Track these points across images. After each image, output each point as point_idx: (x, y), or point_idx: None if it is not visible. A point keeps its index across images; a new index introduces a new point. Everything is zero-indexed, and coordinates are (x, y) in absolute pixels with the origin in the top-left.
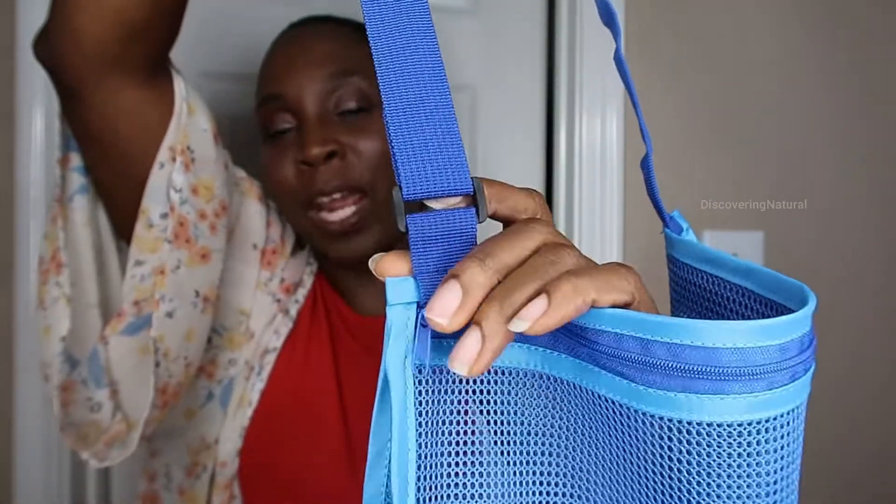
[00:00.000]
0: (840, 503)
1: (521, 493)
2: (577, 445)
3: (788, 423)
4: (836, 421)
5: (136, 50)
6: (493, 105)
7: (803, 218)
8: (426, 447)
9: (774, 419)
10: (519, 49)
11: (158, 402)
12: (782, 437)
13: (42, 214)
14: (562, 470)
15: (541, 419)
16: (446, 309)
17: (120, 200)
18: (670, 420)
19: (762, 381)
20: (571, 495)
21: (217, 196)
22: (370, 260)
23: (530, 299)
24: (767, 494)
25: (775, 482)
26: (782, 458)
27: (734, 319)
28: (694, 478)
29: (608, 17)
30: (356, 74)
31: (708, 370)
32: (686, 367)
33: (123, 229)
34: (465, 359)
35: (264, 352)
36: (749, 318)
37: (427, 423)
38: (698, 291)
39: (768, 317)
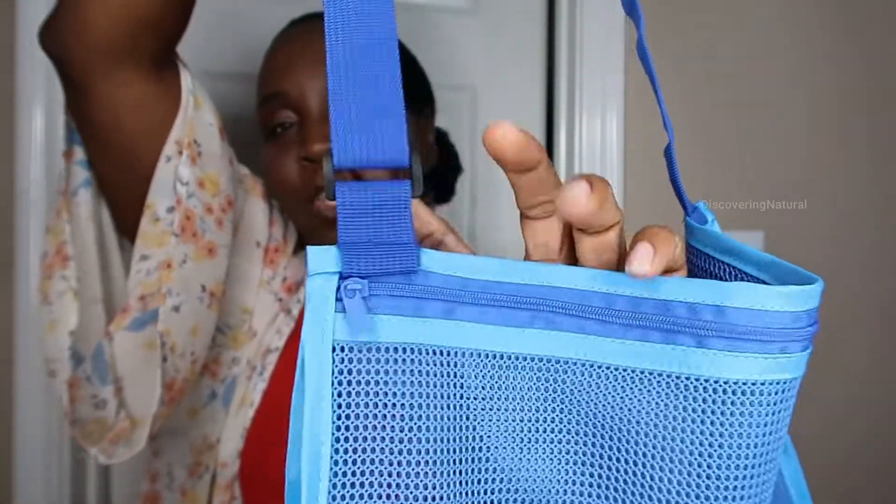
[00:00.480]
0: None
1: (462, 483)
2: (516, 423)
3: (784, 392)
4: (836, 420)
5: (143, 43)
6: (493, 105)
7: (803, 218)
8: (346, 431)
9: (787, 381)
10: (519, 49)
11: (165, 399)
12: (776, 402)
13: (42, 214)
14: (503, 453)
15: (486, 405)
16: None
17: (124, 195)
18: (688, 378)
19: (777, 343)
20: (515, 490)
21: (223, 191)
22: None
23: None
24: (760, 455)
25: (768, 444)
26: (777, 421)
27: None
28: (697, 435)
29: (630, 5)
30: None
31: (725, 328)
32: (703, 325)
33: (126, 225)
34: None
35: (266, 351)
36: None
37: (350, 405)
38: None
39: None
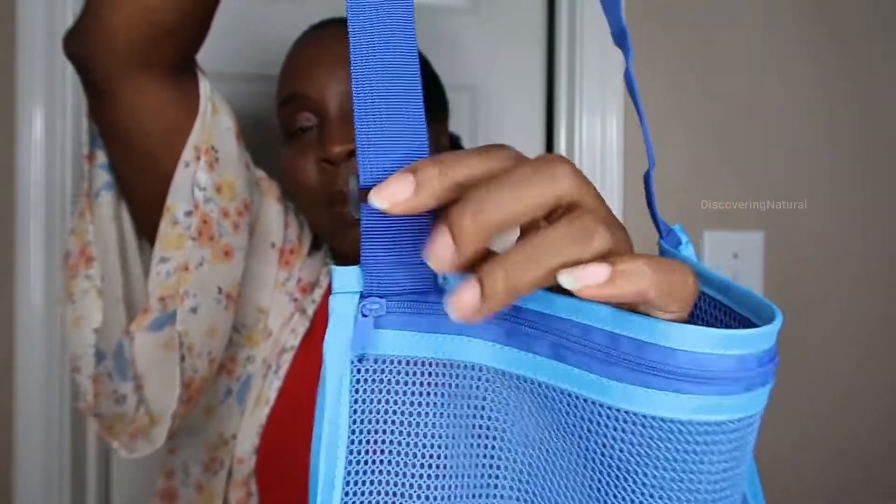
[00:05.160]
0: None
1: (466, 496)
2: (524, 441)
3: (735, 430)
4: (835, 420)
5: (165, 50)
6: (493, 105)
7: (803, 218)
8: (360, 444)
9: (723, 423)
10: (519, 49)
11: (184, 397)
12: (729, 441)
13: (42, 215)
14: (508, 472)
15: (495, 416)
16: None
17: (144, 198)
18: (626, 412)
19: (715, 385)
20: (517, 498)
21: (239, 195)
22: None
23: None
24: (708, 493)
25: (717, 482)
26: (724, 462)
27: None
28: (641, 468)
29: (620, 37)
30: None
31: (668, 369)
32: (649, 364)
33: (146, 227)
34: (463, 307)
35: (281, 350)
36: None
37: (365, 419)
38: None
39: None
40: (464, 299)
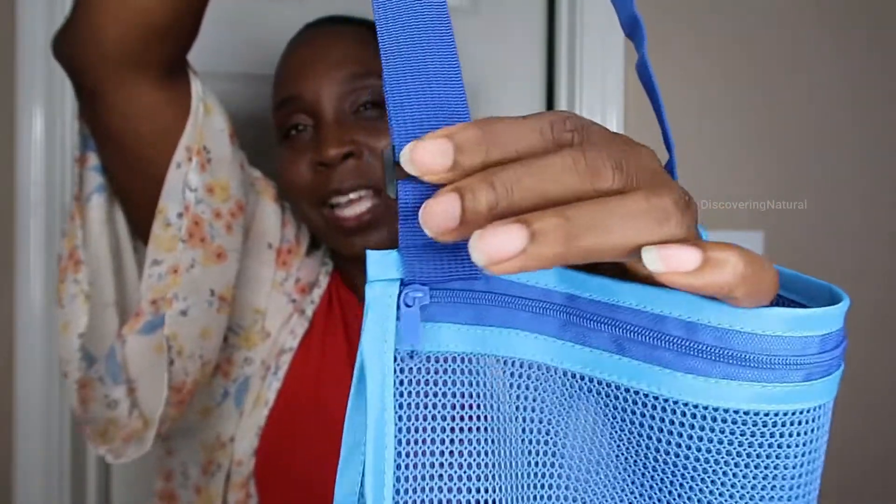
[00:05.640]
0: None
1: (518, 499)
2: (579, 444)
3: (818, 419)
4: (835, 420)
5: (155, 51)
6: (494, 105)
7: (803, 218)
8: (408, 444)
9: (808, 411)
10: (519, 49)
11: (174, 400)
12: (812, 430)
13: (42, 215)
14: (563, 471)
15: (541, 414)
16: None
17: (137, 200)
18: (705, 408)
19: (801, 370)
20: (574, 499)
21: (233, 196)
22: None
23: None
24: (791, 488)
25: (799, 476)
26: (809, 452)
27: None
28: (721, 468)
29: (632, 26)
30: (372, 75)
31: (754, 357)
32: (732, 354)
33: (140, 229)
34: (495, 253)
35: (280, 352)
36: None
37: (410, 417)
38: None
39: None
40: (500, 243)
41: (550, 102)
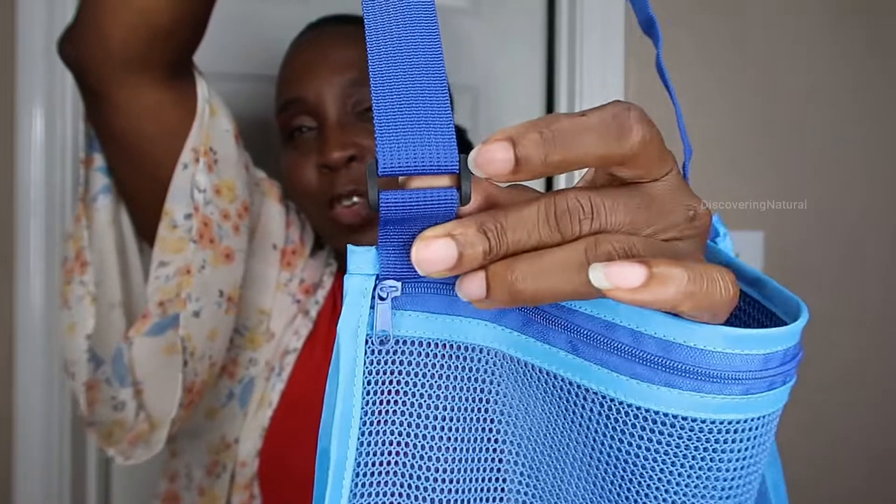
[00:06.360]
0: None
1: (474, 479)
2: (532, 431)
3: (756, 429)
4: (836, 421)
5: (161, 53)
6: (494, 105)
7: (803, 218)
8: (373, 424)
9: (745, 422)
10: (519, 49)
11: (185, 402)
12: (748, 439)
13: (42, 215)
14: (519, 458)
15: (503, 401)
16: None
17: (143, 201)
18: (647, 410)
19: (740, 385)
20: (526, 484)
21: (239, 197)
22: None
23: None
24: (723, 489)
25: (732, 479)
26: (744, 458)
27: (734, 324)
28: (658, 466)
29: (648, 25)
30: None
31: (693, 369)
32: (673, 364)
33: (145, 230)
34: (468, 295)
35: (284, 352)
36: (748, 326)
37: (378, 392)
38: None
39: (766, 326)
40: (472, 290)
41: (550, 102)
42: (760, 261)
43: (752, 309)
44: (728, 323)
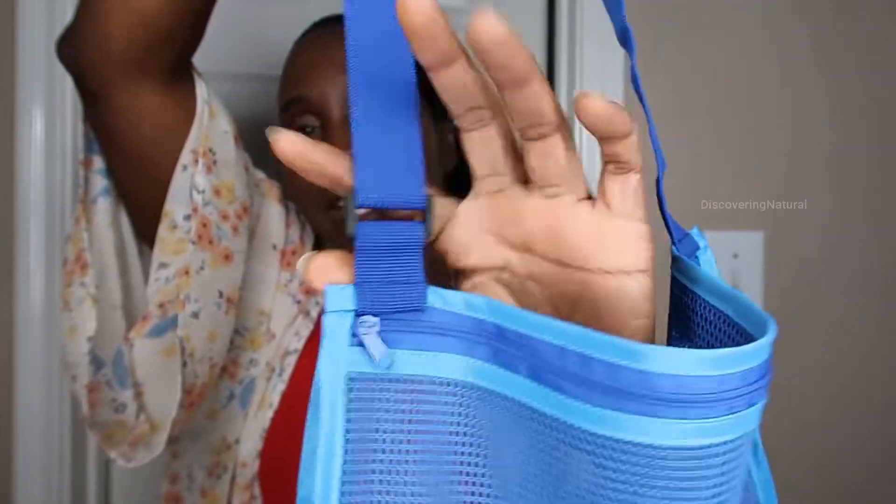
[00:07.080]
0: None
1: None
2: (509, 460)
3: (722, 454)
4: (836, 422)
5: (160, 55)
6: None
7: (803, 218)
8: (355, 463)
9: (706, 448)
10: None
11: (185, 403)
12: (715, 465)
13: (42, 215)
14: (493, 490)
15: (476, 432)
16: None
17: (142, 202)
18: (603, 437)
19: (695, 409)
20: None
21: (238, 198)
22: (300, 260)
23: None
24: None
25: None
26: (711, 486)
27: (708, 343)
28: (618, 494)
29: (623, 35)
30: None
31: (643, 393)
32: (622, 388)
33: (145, 231)
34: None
35: (285, 353)
36: (721, 344)
37: (358, 430)
38: (685, 310)
39: (738, 344)
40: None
41: None
42: (760, 261)
43: (729, 327)
44: (706, 342)
